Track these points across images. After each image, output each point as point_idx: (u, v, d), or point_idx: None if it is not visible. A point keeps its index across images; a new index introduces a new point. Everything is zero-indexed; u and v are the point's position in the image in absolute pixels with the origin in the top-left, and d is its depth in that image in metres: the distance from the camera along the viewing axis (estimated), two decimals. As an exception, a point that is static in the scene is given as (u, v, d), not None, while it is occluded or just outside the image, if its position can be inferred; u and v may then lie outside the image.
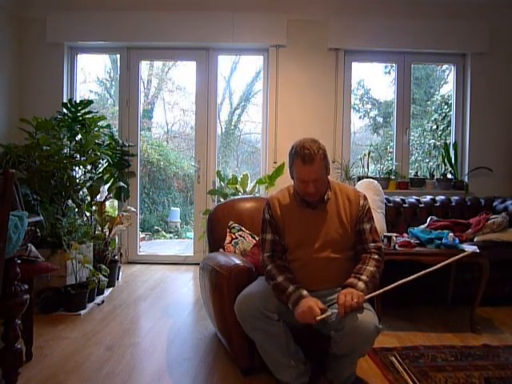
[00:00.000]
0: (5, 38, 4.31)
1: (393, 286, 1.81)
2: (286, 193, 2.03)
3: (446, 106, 5.74)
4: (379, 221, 3.15)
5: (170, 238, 7.43)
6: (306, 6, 4.48)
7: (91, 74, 7.44)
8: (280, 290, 1.84)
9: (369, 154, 4.59)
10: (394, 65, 4.76)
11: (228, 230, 2.63)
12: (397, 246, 2.74)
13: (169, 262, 4.75)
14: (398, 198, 3.83)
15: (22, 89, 4.52)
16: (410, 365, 2.20)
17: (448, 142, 4.76)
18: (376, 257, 1.92)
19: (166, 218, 7.68)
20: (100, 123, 4.09)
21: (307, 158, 1.81)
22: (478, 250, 2.67)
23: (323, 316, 1.75)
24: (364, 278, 1.82)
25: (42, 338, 2.52)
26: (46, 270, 2.36)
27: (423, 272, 1.84)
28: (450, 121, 5.00)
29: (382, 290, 1.83)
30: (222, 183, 4.37)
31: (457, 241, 2.79)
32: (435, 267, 1.86)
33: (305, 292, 1.81)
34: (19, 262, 1.90)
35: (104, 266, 3.45)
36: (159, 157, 7.69)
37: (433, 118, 6.09)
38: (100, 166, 4.10)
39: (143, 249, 5.27)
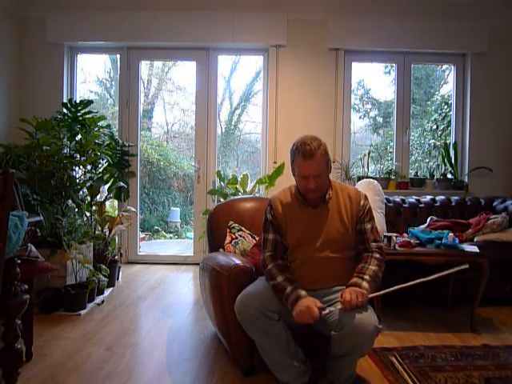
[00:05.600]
0: (5, 37, 4.31)
1: (397, 287, 1.81)
2: (287, 192, 2.04)
3: (446, 106, 5.73)
4: (379, 221, 3.15)
5: (170, 238, 7.43)
6: (305, 6, 4.48)
7: (91, 74, 7.44)
8: (279, 290, 1.85)
9: (369, 154, 4.59)
10: (394, 65, 4.76)
11: (228, 230, 2.63)
12: (397, 246, 2.74)
13: (169, 262, 4.75)
14: (398, 198, 3.83)
15: (22, 89, 4.52)
16: (410, 365, 2.20)
17: (448, 141, 4.76)
18: (378, 256, 1.93)
19: (166, 218, 7.68)
20: (100, 123, 4.09)
21: (308, 153, 1.82)
22: (476, 251, 2.68)
23: (324, 312, 1.76)
24: (367, 277, 1.83)
25: (41, 338, 2.52)
26: (46, 270, 2.36)
27: (429, 278, 1.84)
28: (449, 121, 5.00)
29: (386, 291, 1.83)
30: (222, 183, 4.36)
31: (457, 241, 2.79)
32: (440, 274, 1.86)
33: (303, 292, 1.81)
34: (19, 262, 1.90)
35: (104, 266, 3.44)
36: (159, 157, 7.69)
37: (433, 118, 6.09)
38: (100, 166, 4.10)
39: (143, 249, 5.27)
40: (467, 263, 1.95)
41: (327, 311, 1.78)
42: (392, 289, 1.82)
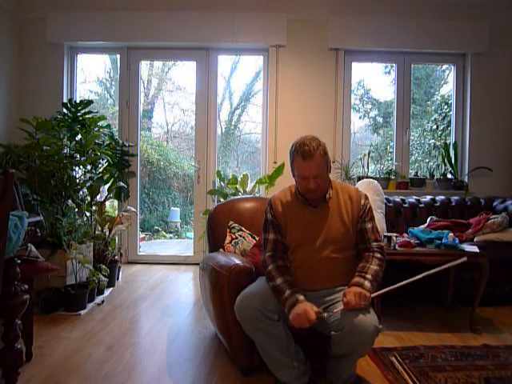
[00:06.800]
0: (5, 38, 4.31)
1: (397, 285, 1.82)
2: (287, 192, 2.04)
3: (446, 106, 5.73)
4: (379, 221, 3.15)
5: (170, 238, 7.43)
6: (305, 6, 4.48)
7: (91, 74, 7.43)
8: (277, 292, 1.85)
9: (369, 154, 4.59)
10: (394, 65, 4.76)
11: (228, 230, 2.63)
12: (397, 246, 2.74)
13: (169, 262, 4.75)
14: (398, 198, 3.83)
15: (22, 89, 4.52)
16: (410, 365, 2.20)
17: (448, 142, 4.75)
18: (379, 255, 1.93)
19: (166, 218, 7.68)
20: (100, 123, 4.09)
21: (307, 154, 1.82)
22: (476, 251, 2.68)
23: (320, 316, 1.76)
24: (369, 277, 1.83)
25: (41, 337, 2.52)
26: (46, 270, 2.36)
27: (428, 272, 1.83)
28: (450, 121, 5.00)
29: (388, 289, 1.83)
30: (222, 183, 4.37)
31: (457, 241, 2.79)
32: (439, 269, 1.85)
33: (301, 297, 1.80)
34: (19, 262, 1.90)
35: (104, 266, 3.45)
36: (159, 157, 7.69)
37: (433, 118, 6.09)
38: (100, 166, 4.10)
39: (143, 249, 5.27)
40: (465, 256, 1.96)
41: (325, 315, 1.78)
42: (394, 286, 1.82)
